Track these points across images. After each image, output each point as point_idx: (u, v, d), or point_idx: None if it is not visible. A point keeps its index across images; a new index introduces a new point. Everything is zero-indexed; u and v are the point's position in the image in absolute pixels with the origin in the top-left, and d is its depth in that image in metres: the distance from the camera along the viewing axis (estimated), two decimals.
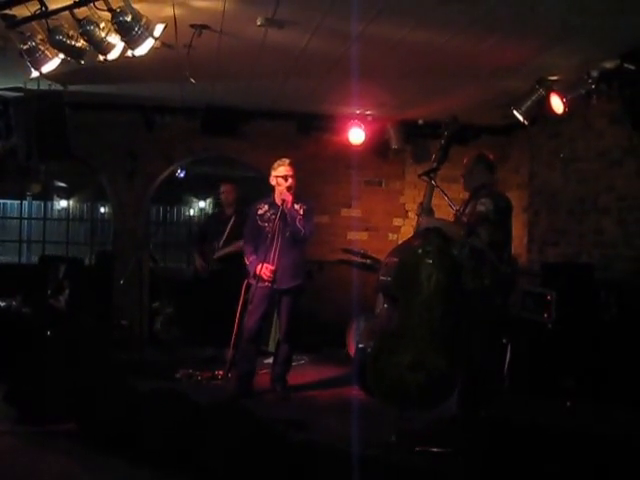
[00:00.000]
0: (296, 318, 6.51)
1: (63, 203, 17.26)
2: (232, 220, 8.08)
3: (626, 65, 5.93)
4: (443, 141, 5.52)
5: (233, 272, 7.93)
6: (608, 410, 5.79)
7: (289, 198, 6.23)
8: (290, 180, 6.29)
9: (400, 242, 5.50)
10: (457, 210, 5.60)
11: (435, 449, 4.89)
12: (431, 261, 5.10)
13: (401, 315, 5.11)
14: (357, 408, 5.52)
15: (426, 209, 5.41)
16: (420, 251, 5.15)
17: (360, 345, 5.34)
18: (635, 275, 6.56)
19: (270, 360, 7.71)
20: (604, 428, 5.39)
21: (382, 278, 5.33)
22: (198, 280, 8.28)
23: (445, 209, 5.99)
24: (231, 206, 8.29)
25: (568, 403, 6.01)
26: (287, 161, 6.39)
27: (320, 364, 7.97)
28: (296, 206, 6.27)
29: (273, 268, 6.28)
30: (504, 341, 6.23)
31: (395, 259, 5.25)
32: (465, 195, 5.96)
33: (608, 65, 6.13)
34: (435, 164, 5.48)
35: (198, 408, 4.73)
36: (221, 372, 7.04)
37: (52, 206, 17.16)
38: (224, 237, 8.00)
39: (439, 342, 5.03)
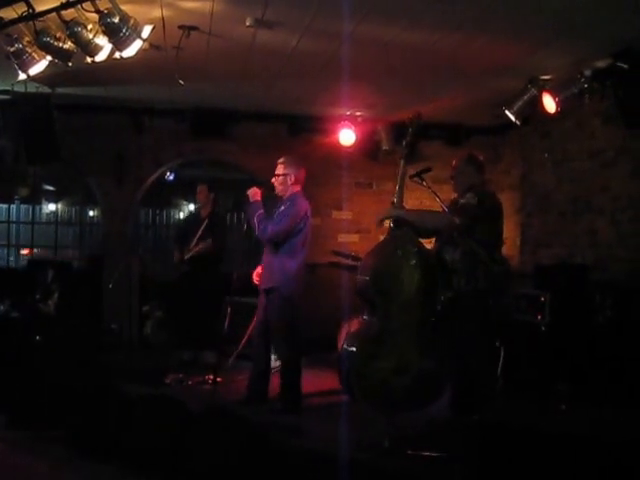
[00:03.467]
0: (282, 328, 6.08)
1: (51, 206, 17.11)
2: (205, 222, 8.07)
3: (619, 64, 5.92)
4: (408, 138, 5.46)
5: (205, 274, 7.93)
6: (603, 412, 5.76)
7: (251, 192, 6.11)
8: (275, 178, 6.16)
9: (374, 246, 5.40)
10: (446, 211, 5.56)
11: (428, 453, 4.85)
12: (408, 262, 5.06)
13: (380, 320, 5.07)
14: (349, 412, 5.45)
15: (398, 205, 5.37)
16: (400, 253, 5.11)
17: (344, 349, 5.28)
18: (629, 276, 6.53)
19: None
20: (599, 430, 5.34)
21: (359, 282, 5.29)
22: (174, 282, 8.24)
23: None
24: (205, 207, 8.26)
25: (562, 406, 5.97)
26: (280, 159, 6.27)
27: (311, 367, 7.89)
28: (282, 207, 6.17)
29: (259, 270, 6.20)
30: (497, 343, 6.19)
31: (370, 262, 5.19)
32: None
33: (601, 64, 6.12)
34: (402, 162, 5.40)
35: (189, 414, 4.66)
36: (211, 377, 7.01)
37: (40, 209, 17.02)
38: (195, 238, 7.95)
39: (424, 343, 5.00)
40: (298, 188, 6.20)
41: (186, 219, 9.52)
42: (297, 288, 6.09)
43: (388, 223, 5.40)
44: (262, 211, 6.03)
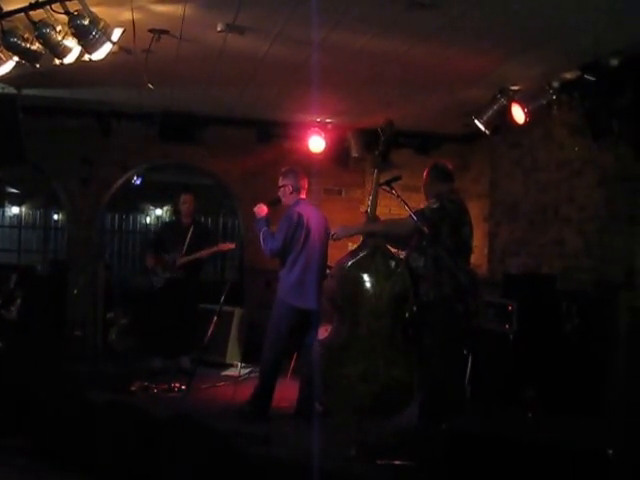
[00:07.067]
0: (271, 334, 6.17)
1: (15, 209, 16.87)
2: (191, 230, 8.06)
3: (586, 76, 5.98)
4: (380, 147, 5.47)
5: (192, 280, 7.93)
6: (569, 421, 5.79)
7: (257, 209, 6.16)
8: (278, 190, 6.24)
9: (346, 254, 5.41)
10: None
11: (396, 462, 4.84)
12: (389, 270, 5.06)
13: (348, 327, 5.07)
14: (319, 420, 5.42)
15: (371, 217, 5.37)
16: (380, 261, 5.12)
17: (314, 357, 5.27)
18: (595, 285, 6.59)
19: (228, 372, 7.64)
20: (566, 438, 5.37)
21: (329, 289, 5.28)
22: (154, 288, 8.16)
23: None
24: (189, 216, 8.23)
25: (529, 414, 5.99)
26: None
27: (283, 375, 7.85)
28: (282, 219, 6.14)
29: None
30: (465, 352, 6.20)
31: (342, 270, 5.19)
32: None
33: (569, 76, 6.19)
34: (375, 171, 5.41)
35: (155, 422, 4.60)
36: (177, 384, 6.94)
37: (3, 213, 16.78)
38: (185, 246, 7.93)
39: (392, 351, 5.01)
40: (299, 197, 6.21)
41: (165, 226, 9.42)
42: (295, 300, 6.06)
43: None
44: (266, 228, 6.08)
